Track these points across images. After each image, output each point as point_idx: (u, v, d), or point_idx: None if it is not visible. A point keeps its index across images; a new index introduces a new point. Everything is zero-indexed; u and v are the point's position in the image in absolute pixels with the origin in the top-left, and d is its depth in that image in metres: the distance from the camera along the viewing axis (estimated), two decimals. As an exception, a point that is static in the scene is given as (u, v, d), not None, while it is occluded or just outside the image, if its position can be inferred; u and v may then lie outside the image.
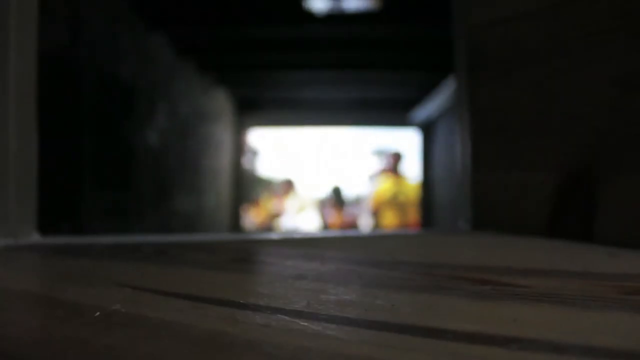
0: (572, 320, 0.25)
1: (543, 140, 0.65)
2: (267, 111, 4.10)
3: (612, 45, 0.55)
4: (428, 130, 3.98)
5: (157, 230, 2.00)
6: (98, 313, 0.26)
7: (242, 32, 2.23)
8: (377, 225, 4.06)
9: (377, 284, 0.35)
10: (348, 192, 4.77)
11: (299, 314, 0.26)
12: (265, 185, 4.91)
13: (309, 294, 0.31)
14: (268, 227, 4.51)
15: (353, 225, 4.55)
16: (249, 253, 0.56)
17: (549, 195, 0.63)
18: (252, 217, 4.58)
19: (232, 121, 3.78)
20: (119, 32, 1.72)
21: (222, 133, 3.46)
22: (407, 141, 4.31)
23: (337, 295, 0.31)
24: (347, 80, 3.19)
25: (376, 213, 4.09)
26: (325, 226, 4.63)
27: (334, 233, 1.26)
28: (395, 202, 4.01)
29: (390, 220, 3.98)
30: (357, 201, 4.68)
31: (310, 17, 1.97)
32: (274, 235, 0.72)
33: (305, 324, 0.24)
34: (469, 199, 0.77)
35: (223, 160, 3.49)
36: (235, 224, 3.90)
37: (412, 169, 4.28)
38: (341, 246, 0.61)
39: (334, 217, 4.62)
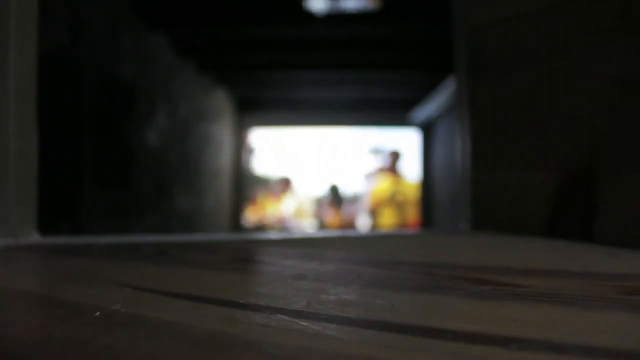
0: (572, 320, 0.25)
1: (543, 140, 0.65)
2: (267, 111, 4.10)
3: (612, 45, 0.55)
4: (428, 130, 3.98)
5: (157, 230, 2.00)
6: (98, 313, 0.26)
7: (242, 32, 2.23)
8: (375, 224, 4.06)
9: (377, 283, 0.35)
10: (346, 191, 4.75)
11: (299, 314, 0.26)
12: (262, 183, 4.86)
13: (309, 293, 0.31)
14: (266, 226, 4.49)
15: (351, 224, 4.53)
16: (249, 253, 0.56)
17: (549, 195, 0.63)
18: (249, 216, 4.55)
19: (232, 121, 3.78)
20: (119, 32, 1.72)
21: (222, 133, 3.46)
22: (405, 140, 4.31)
23: (337, 295, 0.31)
24: (347, 80, 3.19)
25: (374, 212, 4.09)
26: (323, 225, 4.60)
27: (333, 233, 1.26)
28: (393, 201, 4.01)
29: (388, 219, 3.98)
30: (355, 200, 4.65)
31: (310, 17, 1.97)
32: (273, 235, 0.72)
33: (305, 324, 0.24)
34: (469, 199, 0.77)
35: (223, 160, 3.49)
36: (235, 224, 3.90)
37: (411, 168, 4.28)
38: (341, 246, 0.61)
39: (331, 216, 4.61)
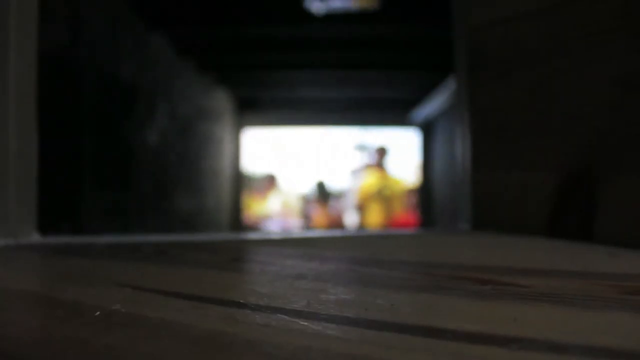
0: (572, 320, 0.25)
1: (543, 140, 0.65)
2: (267, 111, 4.09)
3: (612, 45, 0.55)
4: (428, 130, 3.98)
5: (157, 230, 2.00)
6: (98, 313, 0.26)
7: (242, 32, 2.23)
8: (362, 220, 4.07)
9: (377, 283, 0.35)
10: (332, 187, 4.70)
11: (298, 314, 0.26)
12: (247, 182, 4.73)
13: (309, 293, 0.31)
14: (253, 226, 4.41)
15: (338, 220, 4.49)
16: (249, 253, 0.56)
17: (549, 195, 0.63)
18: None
19: (232, 121, 3.78)
20: (119, 32, 1.72)
21: (222, 133, 3.46)
22: (390, 138, 4.33)
23: (337, 294, 0.31)
24: (347, 80, 3.19)
25: (361, 207, 4.10)
26: (309, 222, 4.52)
27: (333, 233, 1.26)
28: (380, 196, 4.02)
29: (375, 214, 3.99)
30: (342, 196, 4.61)
31: (310, 17, 1.97)
32: (273, 235, 0.72)
33: (305, 323, 0.24)
34: (469, 199, 0.77)
35: (223, 159, 3.49)
36: (235, 224, 3.90)
37: (399, 164, 4.30)
38: (341, 246, 0.61)
39: (318, 213, 4.55)
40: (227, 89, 3.38)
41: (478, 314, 0.27)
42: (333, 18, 1.99)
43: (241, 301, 0.29)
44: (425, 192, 4.06)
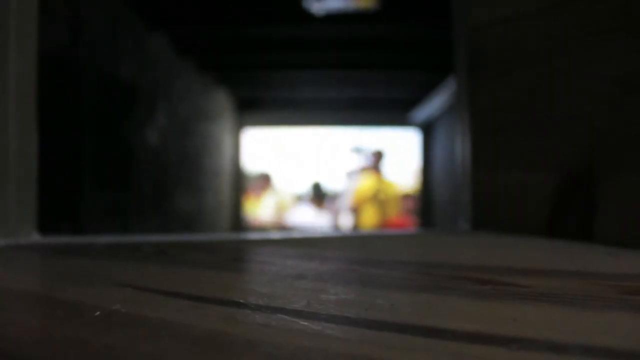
0: (572, 320, 0.25)
1: (543, 140, 0.65)
2: (267, 111, 4.10)
3: (612, 45, 0.55)
4: (428, 130, 3.98)
5: (158, 230, 2.00)
6: (98, 313, 0.26)
7: (242, 32, 2.23)
8: (357, 222, 4.07)
9: (377, 283, 0.35)
10: (328, 188, 4.67)
11: (298, 314, 0.26)
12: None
13: (309, 293, 0.31)
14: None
15: (333, 222, 4.47)
16: (249, 253, 0.56)
17: (549, 195, 0.63)
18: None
19: (232, 121, 3.78)
20: (119, 32, 1.72)
21: (222, 132, 3.46)
22: (384, 140, 4.33)
23: (337, 294, 0.31)
24: (346, 80, 3.19)
25: (356, 210, 4.10)
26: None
27: (332, 233, 1.26)
28: (376, 199, 4.03)
29: (370, 217, 4.00)
30: (337, 197, 4.59)
31: (309, 17, 1.97)
32: (273, 235, 0.72)
33: (305, 323, 0.24)
34: (469, 199, 0.77)
35: (223, 159, 3.49)
36: (235, 223, 3.90)
37: (395, 166, 4.30)
38: (341, 246, 0.61)
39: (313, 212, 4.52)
40: (227, 88, 3.38)
41: (478, 314, 0.27)
42: (333, 18, 1.99)
43: (241, 301, 0.29)
44: (425, 193, 4.06)
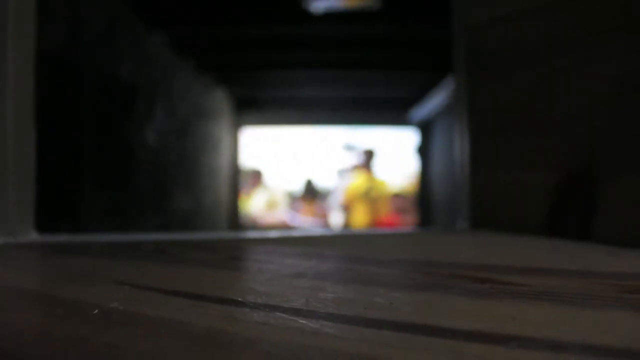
0: (572, 319, 0.25)
1: (543, 140, 0.65)
2: (267, 110, 4.10)
3: (612, 45, 0.55)
4: (427, 130, 3.98)
5: (157, 229, 2.00)
6: (97, 311, 0.26)
7: (241, 32, 2.23)
8: (347, 220, 4.08)
9: (376, 282, 0.35)
10: (321, 186, 4.65)
11: (297, 312, 0.26)
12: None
13: (308, 292, 0.31)
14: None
15: (324, 220, 4.45)
16: (248, 251, 0.56)
17: (549, 195, 0.63)
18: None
19: (231, 120, 3.78)
20: (118, 32, 1.72)
21: (221, 132, 3.46)
22: (378, 138, 4.33)
23: (336, 293, 0.31)
24: (346, 79, 3.19)
25: (347, 208, 4.11)
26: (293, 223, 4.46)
27: (332, 232, 1.26)
28: (367, 197, 4.04)
29: (361, 215, 4.01)
30: (329, 195, 4.57)
31: (309, 16, 1.97)
32: (272, 234, 0.72)
33: (304, 322, 0.24)
34: (469, 199, 0.77)
35: (222, 159, 3.49)
36: (234, 222, 3.90)
37: (388, 165, 4.31)
38: (339, 244, 0.61)
39: (305, 212, 4.50)
40: (226, 88, 3.38)
41: (477, 313, 0.27)
42: (332, 17, 1.99)
43: (240, 299, 0.29)
44: (423, 192, 4.06)
